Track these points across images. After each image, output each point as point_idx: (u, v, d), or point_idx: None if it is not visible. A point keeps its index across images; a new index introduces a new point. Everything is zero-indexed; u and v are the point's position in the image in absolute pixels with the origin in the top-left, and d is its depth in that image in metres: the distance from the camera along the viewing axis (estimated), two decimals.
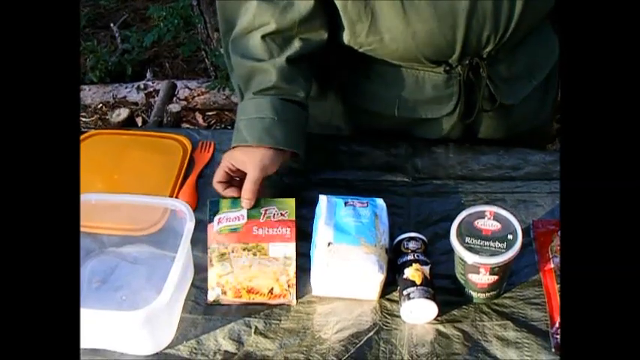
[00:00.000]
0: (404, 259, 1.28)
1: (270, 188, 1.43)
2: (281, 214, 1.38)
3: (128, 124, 2.93)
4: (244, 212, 1.37)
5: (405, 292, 1.23)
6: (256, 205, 1.38)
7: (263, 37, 1.39)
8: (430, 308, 1.23)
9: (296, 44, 1.40)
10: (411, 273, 1.25)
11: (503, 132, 1.63)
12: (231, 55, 1.46)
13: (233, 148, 1.40)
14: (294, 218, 1.37)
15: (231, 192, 1.40)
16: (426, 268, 1.26)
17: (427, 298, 1.22)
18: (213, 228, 1.36)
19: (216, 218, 1.37)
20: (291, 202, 1.40)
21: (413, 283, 1.23)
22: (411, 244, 1.30)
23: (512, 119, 1.61)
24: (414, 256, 1.28)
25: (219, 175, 1.40)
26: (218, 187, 1.40)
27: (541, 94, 1.65)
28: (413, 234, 1.32)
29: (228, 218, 1.37)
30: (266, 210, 1.38)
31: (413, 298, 1.22)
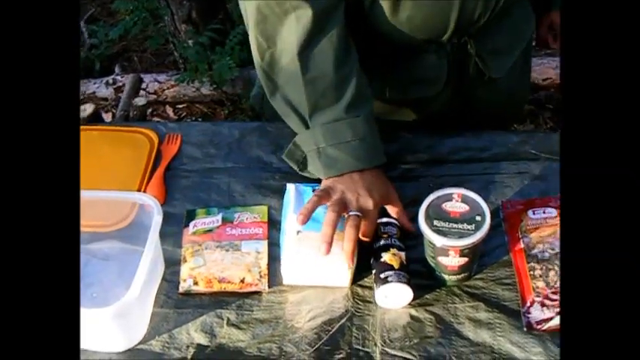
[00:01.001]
0: (381, 243, 1.27)
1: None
2: (254, 217, 1.39)
3: (94, 119, 2.91)
4: (219, 217, 1.38)
5: (382, 276, 1.23)
6: (231, 210, 1.40)
7: (330, 39, 1.30)
8: (405, 293, 1.23)
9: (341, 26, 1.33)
10: (389, 257, 1.24)
11: (490, 106, 1.63)
12: (301, 70, 1.31)
13: (327, 178, 1.33)
14: (266, 220, 1.39)
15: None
16: (402, 254, 1.26)
17: (404, 282, 1.22)
18: (189, 231, 1.37)
19: (191, 223, 1.38)
20: (263, 209, 1.41)
21: (391, 267, 1.23)
22: (388, 229, 1.29)
23: (497, 93, 1.62)
24: (391, 240, 1.28)
25: (330, 220, 1.24)
26: (327, 236, 1.23)
27: (520, 64, 1.67)
28: (390, 219, 1.32)
29: (204, 222, 1.38)
30: (240, 215, 1.39)
31: (391, 281, 1.22)
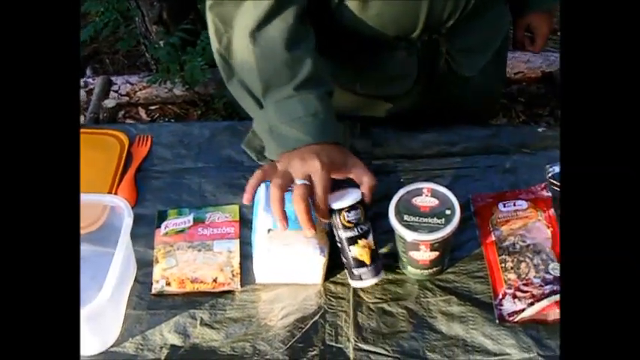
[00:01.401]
0: (348, 235, 1.23)
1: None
2: (225, 216, 1.39)
3: None
4: (191, 217, 1.38)
5: (355, 273, 1.23)
6: (202, 210, 1.40)
7: (284, 19, 1.28)
8: (380, 276, 1.25)
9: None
10: (359, 252, 1.23)
11: (461, 104, 1.64)
12: (253, 49, 1.29)
13: (279, 154, 1.27)
14: (238, 219, 1.39)
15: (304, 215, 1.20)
16: (371, 239, 1.24)
17: (378, 274, 1.24)
18: (161, 232, 1.37)
19: (163, 224, 1.38)
20: (235, 208, 1.41)
21: (362, 264, 1.23)
22: (352, 215, 1.23)
23: (468, 91, 1.63)
24: (357, 230, 1.23)
25: (275, 196, 1.19)
26: (278, 211, 1.20)
27: (494, 63, 1.67)
28: (352, 198, 1.23)
29: (175, 223, 1.38)
30: (211, 215, 1.39)
31: (365, 279, 1.23)
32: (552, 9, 1.83)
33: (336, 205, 1.22)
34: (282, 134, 1.27)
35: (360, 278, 1.23)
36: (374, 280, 1.24)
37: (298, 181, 1.20)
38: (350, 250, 1.23)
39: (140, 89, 3.27)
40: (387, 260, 1.29)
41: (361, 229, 1.23)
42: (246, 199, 1.22)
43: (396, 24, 1.39)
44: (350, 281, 1.25)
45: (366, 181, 1.24)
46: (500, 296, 1.23)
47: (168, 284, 1.28)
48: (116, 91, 3.25)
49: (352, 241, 1.23)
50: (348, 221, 1.23)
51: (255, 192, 1.23)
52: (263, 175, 1.24)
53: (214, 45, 1.34)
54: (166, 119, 3.26)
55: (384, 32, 1.40)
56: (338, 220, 1.22)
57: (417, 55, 1.48)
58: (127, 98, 3.26)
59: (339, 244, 1.24)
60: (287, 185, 1.20)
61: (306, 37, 1.33)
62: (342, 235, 1.23)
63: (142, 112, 3.30)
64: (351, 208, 1.22)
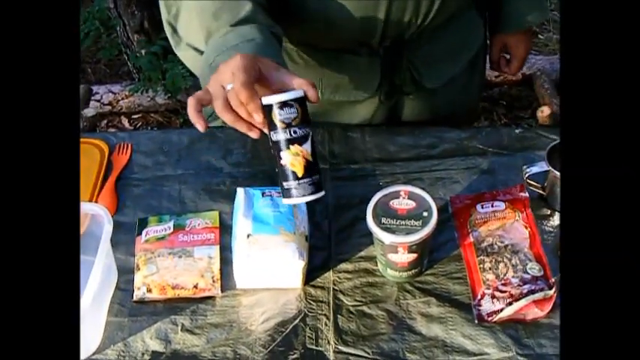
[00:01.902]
0: (279, 137, 1.11)
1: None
2: (205, 223, 1.39)
3: None
4: (171, 224, 1.39)
5: (285, 186, 1.14)
6: (182, 217, 1.40)
7: None
8: (314, 197, 1.14)
9: None
10: (290, 160, 1.11)
11: (427, 115, 1.64)
12: (194, 2, 1.27)
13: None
14: (217, 225, 1.39)
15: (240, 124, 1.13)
16: (307, 147, 1.12)
17: (311, 193, 1.13)
18: (141, 239, 1.37)
19: (143, 231, 1.39)
20: (214, 214, 1.41)
21: (294, 175, 1.12)
22: (284, 114, 1.10)
23: (435, 102, 1.63)
24: (289, 133, 1.11)
25: (189, 102, 1.14)
26: (227, 117, 1.12)
27: (466, 77, 1.67)
28: (288, 94, 1.11)
29: (156, 230, 1.39)
30: (191, 221, 1.40)
31: (295, 195, 1.13)
32: (529, 29, 1.77)
33: (266, 100, 1.10)
34: (218, 65, 1.17)
35: (290, 194, 1.13)
36: (305, 199, 1.13)
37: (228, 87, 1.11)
38: (281, 157, 1.12)
39: (122, 98, 3.28)
40: (366, 263, 1.30)
41: (294, 131, 1.11)
42: (201, 128, 1.14)
43: (352, 26, 1.39)
44: (282, 199, 1.16)
45: (304, 80, 1.14)
46: (479, 296, 1.24)
47: (149, 291, 1.29)
48: (98, 101, 3.25)
49: (284, 145, 1.12)
50: (281, 120, 1.10)
51: (201, 117, 1.14)
52: (199, 99, 1.15)
53: (164, 15, 1.35)
54: (149, 128, 3.27)
55: (345, 33, 1.41)
56: (270, 118, 1.11)
57: (379, 63, 1.49)
58: (109, 107, 3.26)
59: (272, 152, 1.14)
60: (208, 96, 1.13)
61: None
62: (273, 137, 1.12)
63: (125, 121, 3.30)
64: (284, 104, 1.10)
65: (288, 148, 1.11)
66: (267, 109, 1.10)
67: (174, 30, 1.35)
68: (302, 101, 1.11)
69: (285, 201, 1.15)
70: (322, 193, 1.14)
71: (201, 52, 1.27)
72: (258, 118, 1.10)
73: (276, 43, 1.25)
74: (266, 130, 1.13)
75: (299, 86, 1.13)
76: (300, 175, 1.12)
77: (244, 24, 1.23)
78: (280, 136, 1.11)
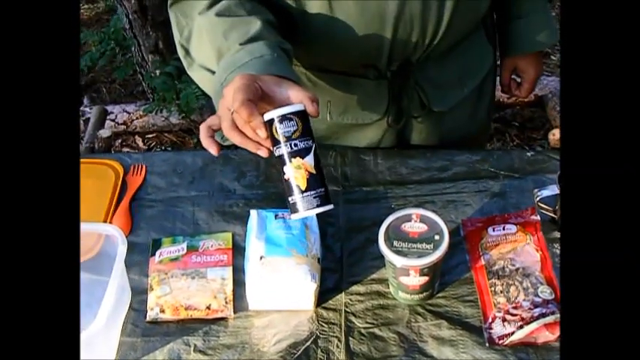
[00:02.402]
0: (280, 152, 1.12)
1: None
2: (218, 244, 1.40)
3: None
4: (184, 245, 1.40)
5: (290, 200, 1.14)
6: (196, 238, 1.41)
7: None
8: (320, 209, 1.14)
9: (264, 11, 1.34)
10: (293, 173, 1.12)
11: (435, 139, 1.65)
12: (204, 23, 1.31)
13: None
14: (230, 246, 1.40)
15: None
16: (309, 160, 1.13)
17: (317, 206, 1.13)
18: (155, 260, 1.38)
19: (157, 252, 1.40)
20: (228, 236, 1.42)
21: (298, 189, 1.13)
22: (284, 127, 1.11)
23: (444, 126, 1.63)
24: (290, 146, 1.11)
25: (201, 128, 1.19)
26: (235, 137, 1.15)
27: (474, 100, 1.68)
28: (283, 110, 1.12)
29: (169, 251, 1.39)
30: (205, 242, 1.40)
31: (300, 210, 1.14)
32: (540, 51, 1.77)
33: (267, 116, 1.12)
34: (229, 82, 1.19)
35: (295, 208, 1.13)
36: (311, 212, 1.13)
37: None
38: (284, 172, 1.13)
39: (137, 118, 3.30)
40: (378, 286, 1.31)
41: (295, 144, 1.12)
42: (214, 152, 1.18)
43: (358, 48, 1.40)
44: (290, 214, 1.16)
45: (304, 94, 1.15)
46: (490, 320, 1.24)
47: (162, 311, 1.30)
48: (113, 120, 3.28)
49: (286, 159, 1.13)
50: (282, 134, 1.12)
51: (213, 142, 1.18)
52: (209, 126, 1.20)
53: (177, 38, 1.39)
54: (163, 148, 3.28)
55: (351, 54, 1.42)
56: (272, 133, 1.12)
57: (387, 86, 1.50)
58: (123, 127, 3.29)
59: (278, 168, 1.15)
60: (217, 121, 1.18)
61: (258, 10, 1.33)
62: (276, 152, 1.13)
63: (139, 141, 3.32)
64: (283, 118, 1.11)
65: (290, 161, 1.12)
66: (269, 125, 1.12)
67: (187, 52, 1.38)
68: (302, 114, 1.13)
69: (293, 216, 1.16)
70: (330, 206, 1.15)
71: (214, 72, 1.29)
72: (262, 134, 1.12)
73: (285, 58, 1.27)
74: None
75: (298, 100, 1.15)
76: (303, 188, 1.13)
77: (254, 42, 1.25)
78: (282, 150, 1.12)
